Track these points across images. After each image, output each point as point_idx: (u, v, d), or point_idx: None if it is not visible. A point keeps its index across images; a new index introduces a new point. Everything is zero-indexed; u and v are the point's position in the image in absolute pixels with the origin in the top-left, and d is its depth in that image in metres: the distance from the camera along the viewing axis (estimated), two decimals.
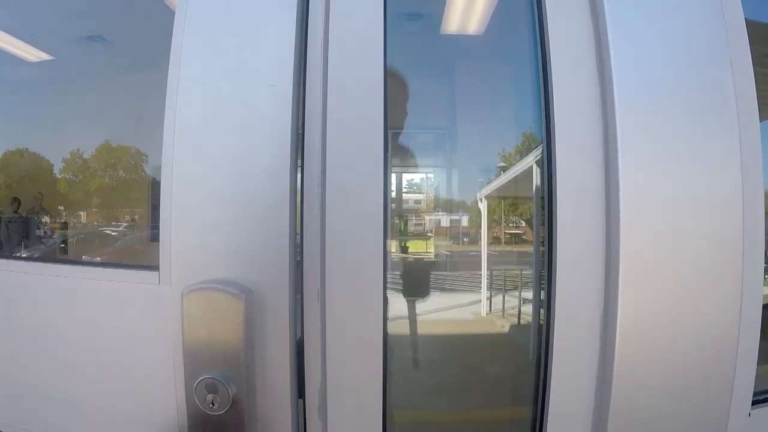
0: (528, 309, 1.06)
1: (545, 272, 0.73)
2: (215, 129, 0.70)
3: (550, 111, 0.70)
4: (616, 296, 0.64)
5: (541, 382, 0.73)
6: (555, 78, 0.70)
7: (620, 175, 0.63)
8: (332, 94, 0.70)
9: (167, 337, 0.71)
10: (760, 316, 0.68)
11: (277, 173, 0.69)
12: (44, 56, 1.54)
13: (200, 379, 0.65)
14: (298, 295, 0.69)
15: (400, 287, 1.40)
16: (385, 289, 0.70)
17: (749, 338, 0.67)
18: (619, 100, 0.64)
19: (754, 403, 0.72)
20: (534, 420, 0.75)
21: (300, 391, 0.71)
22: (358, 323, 0.69)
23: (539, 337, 0.75)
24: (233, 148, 0.70)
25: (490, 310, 1.54)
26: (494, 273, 1.54)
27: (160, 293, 0.73)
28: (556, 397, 0.70)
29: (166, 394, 0.72)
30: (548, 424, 0.71)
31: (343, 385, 0.70)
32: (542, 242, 0.75)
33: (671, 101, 0.65)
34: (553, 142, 0.70)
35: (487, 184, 1.55)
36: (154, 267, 0.74)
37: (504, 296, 1.51)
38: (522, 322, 1.30)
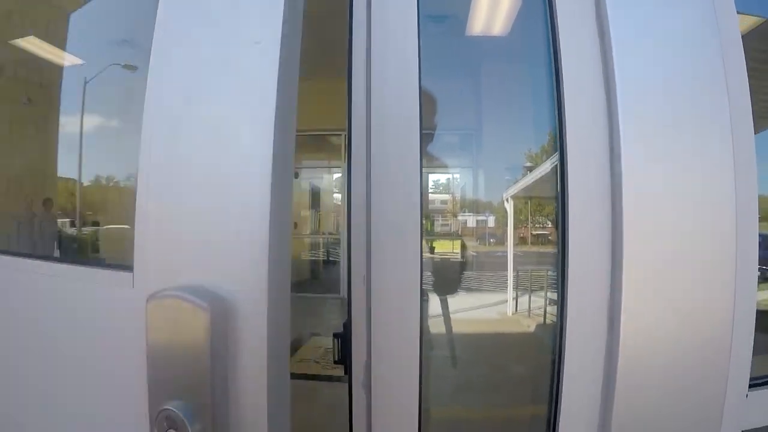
0: (553, 309, 0.98)
1: (558, 270, 0.71)
2: (190, 121, 0.55)
3: (563, 114, 0.67)
4: (620, 294, 0.60)
5: (555, 378, 0.70)
6: (566, 82, 0.67)
7: (623, 178, 0.60)
8: (375, 96, 0.69)
9: (139, 352, 0.53)
10: (755, 312, 0.67)
11: (256, 170, 0.51)
12: None
13: (161, 409, 0.46)
14: (278, 309, 0.49)
15: (429, 287, 1.31)
16: (421, 269, 0.69)
17: (744, 332, 0.66)
18: (622, 103, 0.61)
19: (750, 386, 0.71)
20: (549, 415, 0.72)
21: (346, 367, 0.70)
22: (398, 305, 0.68)
23: (553, 334, 0.73)
24: (210, 149, 0.54)
25: (516, 310, 1.47)
26: (520, 273, 1.46)
27: (133, 298, 0.55)
28: (567, 391, 0.66)
29: (138, 422, 0.53)
30: (561, 418, 0.67)
31: (385, 364, 0.68)
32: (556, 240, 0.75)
33: (671, 107, 0.61)
34: (565, 142, 0.67)
35: (514, 183, 1.43)
36: (129, 268, 0.56)
37: (530, 296, 1.42)
38: (547, 321, 1.21)
